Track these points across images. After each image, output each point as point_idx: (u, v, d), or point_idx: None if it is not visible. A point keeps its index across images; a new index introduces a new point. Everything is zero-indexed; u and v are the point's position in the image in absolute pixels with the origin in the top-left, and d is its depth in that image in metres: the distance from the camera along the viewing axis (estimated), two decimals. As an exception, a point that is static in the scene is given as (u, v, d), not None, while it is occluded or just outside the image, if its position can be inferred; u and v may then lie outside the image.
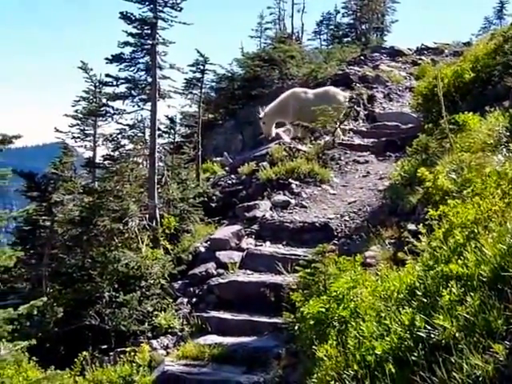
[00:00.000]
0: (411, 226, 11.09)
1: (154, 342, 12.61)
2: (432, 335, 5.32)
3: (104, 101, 19.87)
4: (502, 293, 5.15)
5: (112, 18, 17.99)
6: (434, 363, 5.07)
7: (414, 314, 5.79)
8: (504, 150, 10.44)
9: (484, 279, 5.45)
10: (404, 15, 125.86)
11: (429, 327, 5.39)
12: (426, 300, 5.92)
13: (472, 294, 5.32)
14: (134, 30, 17.21)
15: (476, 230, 6.39)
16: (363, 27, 48.01)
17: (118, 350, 12.56)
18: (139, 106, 18.02)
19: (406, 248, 8.49)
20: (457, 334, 5.10)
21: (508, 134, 11.19)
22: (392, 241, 12.16)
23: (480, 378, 4.65)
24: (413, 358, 5.36)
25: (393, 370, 5.51)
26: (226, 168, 22.56)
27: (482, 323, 5.02)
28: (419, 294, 6.13)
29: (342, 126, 21.24)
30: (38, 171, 17.26)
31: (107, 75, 17.94)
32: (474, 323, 5.09)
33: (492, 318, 4.98)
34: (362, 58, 33.95)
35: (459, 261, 5.89)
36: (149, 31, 17.22)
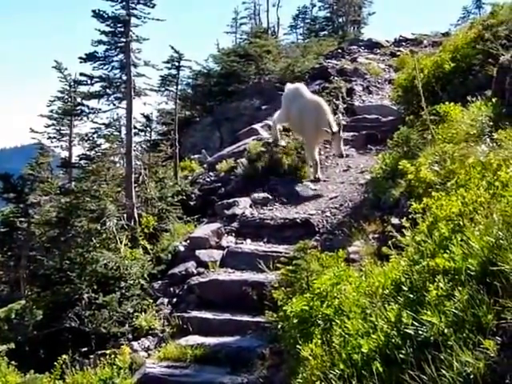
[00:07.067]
0: (395, 220, 11.05)
1: (134, 343, 12.51)
2: (420, 332, 5.23)
3: (79, 100, 19.90)
4: (491, 287, 5.04)
5: (85, 17, 17.94)
6: (422, 361, 4.96)
7: (400, 311, 5.71)
8: (488, 139, 10.37)
9: (472, 273, 5.36)
10: (381, 7, 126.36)
11: (416, 324, 5.30)
12: (412, 295, 5.83)
13: (460, 288, 5.22)
14: (107, 28, 17.37)
15: (461, 223, 6.31)
16: (340, 20, 48.20)
17: (99, 352, 12.46)
18: (114, 105, 18.12)
19: (390, 242, 8.35)
20: (446, 330, 5.00)
21: (491, 123, 11.11)
22: (375, 235, 12.11)
23: (471, 376, 4.54)
24: (401, 355, 5.26)
25: (380, 369, 5.42)
26: (204, 165, 22.45)
27: (472, 319, 4.93)
28: (405, 289, 6.05)
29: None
30: (16, 173, 17.14)
31: (81, 74, 17.95)
32: (463, 319, 5.00)
33: (482, 313, 4.88)
34: (340, 51, 33.84)
35: (445, 255, 5.79)
36: (122, 29, 17.29)
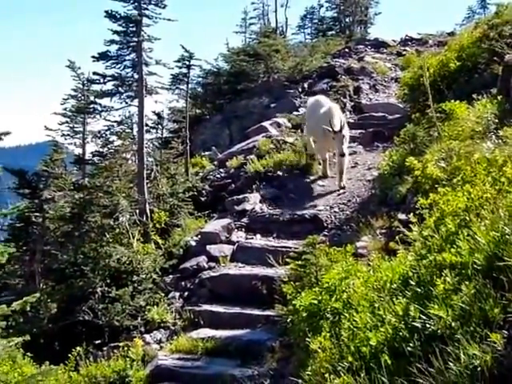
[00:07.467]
0: (402, 216, 11.10)
1: (147, 336, 12.63)
2: (427, 325, 5.26)
3: (92, 98, 20.07)
4: (498, 281, 5.09)
5: (98, 17, 18.16)
6: (430, 354, 4.98)
7: (408, 304, 5.74)
8: (493, 136, 10.43)
9: (478, 267, 5.39)
10: (387, 7, 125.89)
11: (424, 317, 5.33)
12: (419, 290, 5.86)
13: (467, 282, 5.25)
14: (120, 28, 17.52)
15: (468, 218, 6.34)
16: (347, 20, 47.92)
17: (112, 345, 12.61)
18: (127, 103, 18.25)
19: (397, 238, 8.42)
20: (453, 324, 5.04)
21: (497, 120, 11.20)
22: (383, 231, 12.16)
23: (478, 369, 4.58)
24: (408, 348, 5.30)
25: (388, 362, 5.45)
26: (215, 162, 22.54)
27: (478, 312, 4.97)
28: (412, 283, 6.07)
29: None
30: (31, 169, 17.32)
31: (94, 73, 18.13)
32: (470, 312, 5.03)
33: (488, 306, 4.92)
34: (347, 50, 33.83)
35: (452, 249, 5.83)
36: (134, 28, 17.42)
